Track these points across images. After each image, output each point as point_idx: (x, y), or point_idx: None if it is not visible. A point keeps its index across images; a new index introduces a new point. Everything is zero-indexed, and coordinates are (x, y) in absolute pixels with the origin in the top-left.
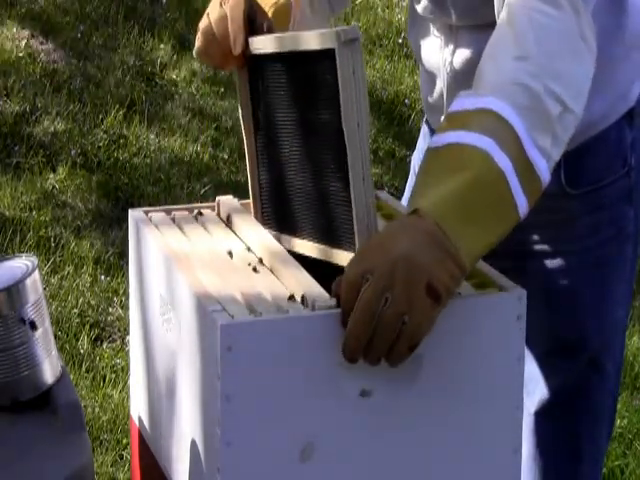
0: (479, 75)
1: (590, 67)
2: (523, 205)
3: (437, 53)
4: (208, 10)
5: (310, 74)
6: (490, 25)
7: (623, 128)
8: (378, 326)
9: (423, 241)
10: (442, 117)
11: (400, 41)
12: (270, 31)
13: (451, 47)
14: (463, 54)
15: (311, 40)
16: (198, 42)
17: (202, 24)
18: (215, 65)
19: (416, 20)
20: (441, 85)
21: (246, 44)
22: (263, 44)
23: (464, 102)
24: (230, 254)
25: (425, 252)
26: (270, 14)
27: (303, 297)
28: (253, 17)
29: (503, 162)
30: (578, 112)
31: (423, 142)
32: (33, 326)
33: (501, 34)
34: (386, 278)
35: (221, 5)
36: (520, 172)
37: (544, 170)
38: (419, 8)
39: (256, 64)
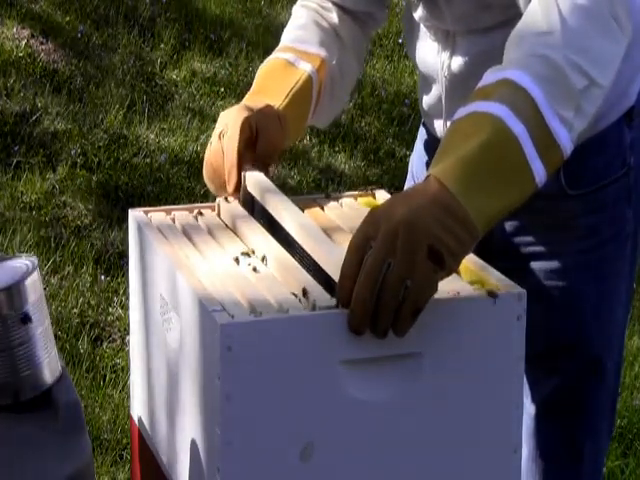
0: (506, 51)
1: (620, 45)
2: (540, 172)
3: (434, 58)
4: (211, 139)
5: None
6: (486, 30)
7: (622, 128)
8: (381, 291)
9: (426, 204)
10: (441, 121)
11: (400, 41)
12: (267, 160)
13: (448, 52)
14: (460, 58)
15: None
16: (204, 171)
17: (206, 154)
18: (220, 195)
19: (413, 26)
20: (439, 90)
21: (241, 178)
22: (253, 188)
23: (488, 77)
24: (230, 254)
25: (427, 215)
26: (288, 101)
27: (304, 293)
28: (252, 144)
29: (517, 128)
30: (606, 86)
31: (421, 144)
32: (32, 325)
33: (529, 13)
34: (388, 243)
35: (219, 137)
36: (537, 139)
37: (564, 138)
38: (415, 15)
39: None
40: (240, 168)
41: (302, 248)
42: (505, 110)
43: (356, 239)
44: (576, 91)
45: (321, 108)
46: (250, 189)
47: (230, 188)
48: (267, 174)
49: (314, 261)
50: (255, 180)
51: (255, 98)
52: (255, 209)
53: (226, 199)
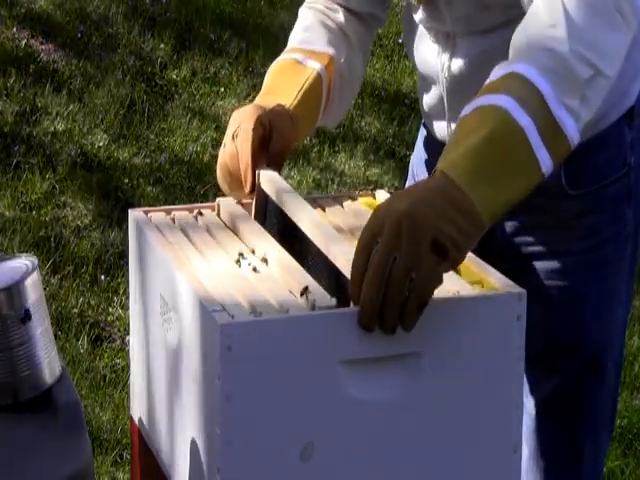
0: (511, 47)
1: (625, 37)
2: (546, 162)
3: (434, 59)
4: (224, 140)
5: None
6: (486, 31)
7: (622, 128)
8: (387, 285)
9: (429, 196)
10: (442, 122)
11: (400, 41)
12: (280, 159)
13: (448, 53)
14: (460, 60)
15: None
16: (218, 173)
17: (219, 156)
18: (237, 198)
19: (412, 27)
20: (439, 91)
21: (257, 177)
22: (268, 187)
23: (495, 74)
24: (230, 254)
25: (430, 207)
26: (298, 100)
27: (304, 293)
28: (266, 143)
29: (523, 119)
30: (611, 76)
31: (421, 144)
32: (32, 325)
33: (533, 9)
34: (393, 237)
35: (233, 139)
36: (543, 129)
37: (571, 128)
38: (415, 17)
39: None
40: (255, 168)
41: (316, 247)
42: (510, 102)
43: (363, 236)
44: (582, 81)
45: (331, 106)
46: (265, 188)
47: (247, 189)
48: (280, 173)
49: (328, 260)
50: (270, 179)
51: (266, 99)
52: (268, 208)
53: (240, 202)
